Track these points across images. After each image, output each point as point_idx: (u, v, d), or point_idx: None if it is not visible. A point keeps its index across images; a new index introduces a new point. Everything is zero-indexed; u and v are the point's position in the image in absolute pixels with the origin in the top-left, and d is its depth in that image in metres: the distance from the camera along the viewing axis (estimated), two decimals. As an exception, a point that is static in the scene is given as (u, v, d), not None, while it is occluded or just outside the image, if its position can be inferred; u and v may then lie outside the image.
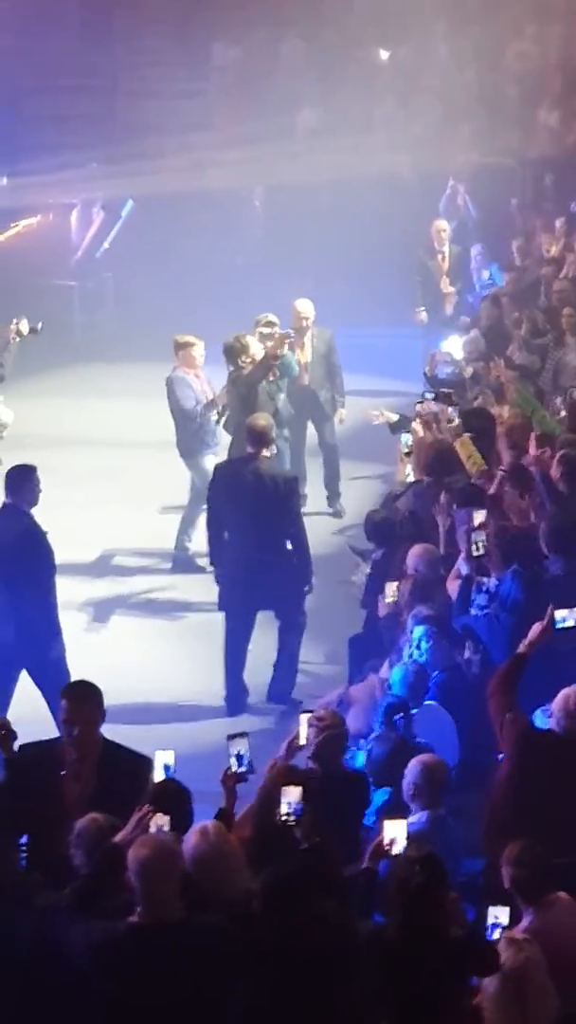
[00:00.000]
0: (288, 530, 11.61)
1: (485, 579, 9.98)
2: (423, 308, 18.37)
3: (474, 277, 19.55)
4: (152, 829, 6.59)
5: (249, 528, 11.60)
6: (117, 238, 23.24)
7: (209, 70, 25.72)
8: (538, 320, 16.65)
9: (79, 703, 7.64)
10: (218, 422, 13.92)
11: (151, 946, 6.08)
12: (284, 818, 7.06)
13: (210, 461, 13.64)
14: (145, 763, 7.52)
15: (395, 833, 6.98)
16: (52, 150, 23.22)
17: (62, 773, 7.57)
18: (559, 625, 8.28)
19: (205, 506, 12.59)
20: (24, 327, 13.72)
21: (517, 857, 7.06)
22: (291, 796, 7.08)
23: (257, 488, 11.59)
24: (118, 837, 6.61)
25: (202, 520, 12.96)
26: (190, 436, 14.00)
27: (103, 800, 7.18)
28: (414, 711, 8.98)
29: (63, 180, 23.00)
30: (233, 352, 13.62)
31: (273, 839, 7.01)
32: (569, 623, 8.22)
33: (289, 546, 11.62)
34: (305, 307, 15.12)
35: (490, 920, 6.72)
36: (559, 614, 8.27)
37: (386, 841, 6.97)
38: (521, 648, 8.42)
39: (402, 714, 8.75)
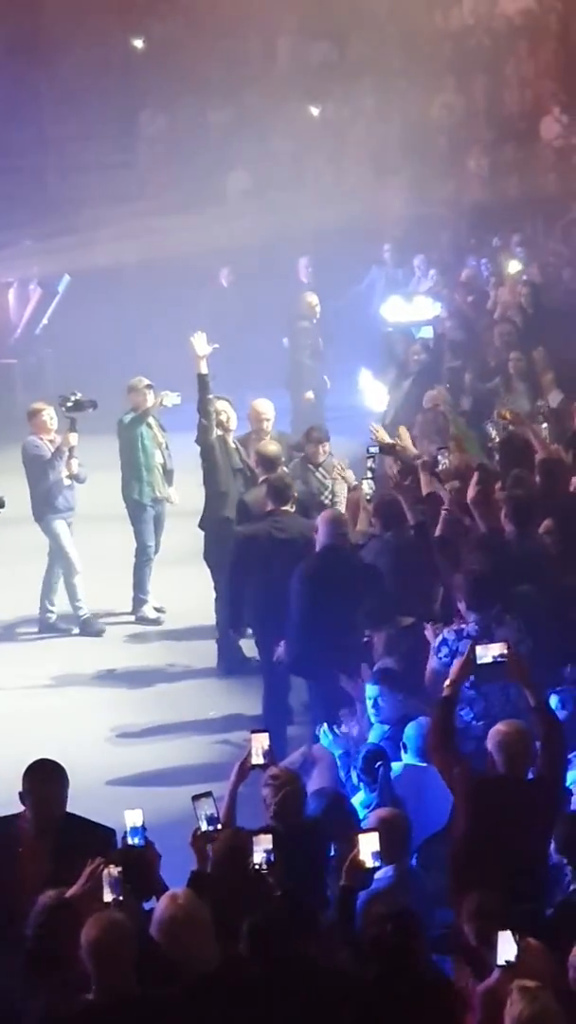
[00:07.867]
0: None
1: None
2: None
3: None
4: (104, 880, 6.53)
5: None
6: (55, 314, 23.14)
7: (137, 140, 25.75)
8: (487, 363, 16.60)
9: (37, 782, 7.46)
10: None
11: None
12: (258, 866, 6.92)
13: (60, 525, 14.09)
14: (108, 835, 7.37)
15: (369, 846, 6.87)
16: (-17, 231, 23.16)
17: (19, 851, 7.37)
18: (479, 661, 8.11)
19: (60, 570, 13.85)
20: None
21: (476, 911, 6.85)
22: (264, 843, 6.97)
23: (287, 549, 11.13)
24: (69, 892, 6.50)
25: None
26: (40, 499, 14.16)
27: (62, 878, 6.92)
28: (398, 767, 8.72)
29: (-3, 259, 22.96)
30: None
31: (237, 896, 6.80)
32: (487, 659, 8.08)
33: None
34: (265, 407, 13.56)
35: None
36: (479, 651, 8.13)
37: (360, 855, 6.86)
38: (445, 692, 8.24)
39: (381, 763, 8.50)
